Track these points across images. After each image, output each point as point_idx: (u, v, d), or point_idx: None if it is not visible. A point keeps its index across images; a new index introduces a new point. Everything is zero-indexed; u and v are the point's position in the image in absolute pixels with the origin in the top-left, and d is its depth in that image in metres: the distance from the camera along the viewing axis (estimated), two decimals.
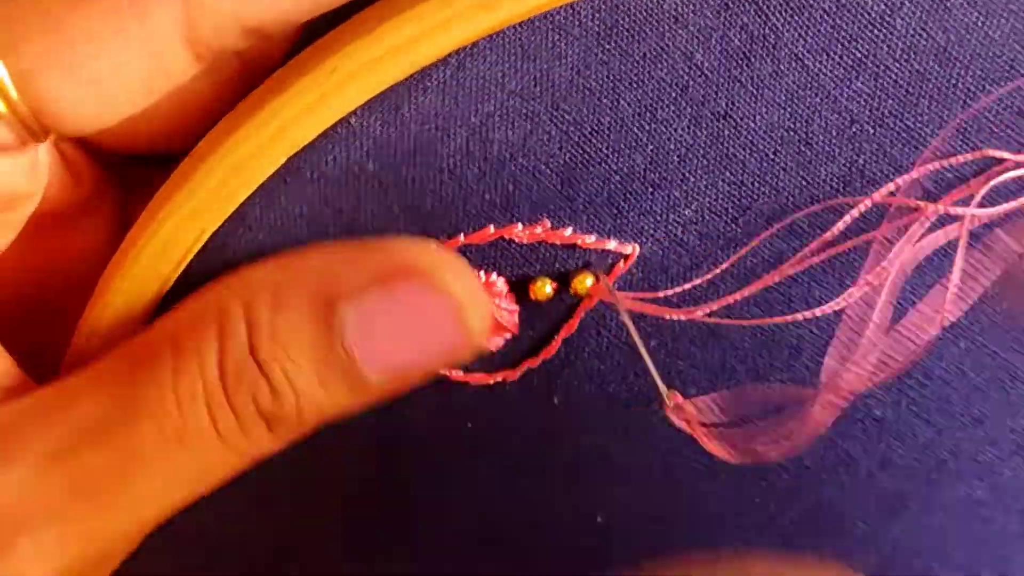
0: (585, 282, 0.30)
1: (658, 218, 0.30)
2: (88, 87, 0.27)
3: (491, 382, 0.32)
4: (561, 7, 0.27)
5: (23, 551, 0.26)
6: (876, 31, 0.28)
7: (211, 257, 0.29)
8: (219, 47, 0.27)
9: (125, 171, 0.33)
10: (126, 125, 0.29)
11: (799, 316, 0.31)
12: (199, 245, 0.29)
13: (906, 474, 0.34)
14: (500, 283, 0.31)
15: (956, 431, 0.34)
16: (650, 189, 0.29)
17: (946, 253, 0.30)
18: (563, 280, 0.31)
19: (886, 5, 0.27)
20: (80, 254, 0.32)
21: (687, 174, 0.29)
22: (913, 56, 0.28)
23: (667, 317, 0.31)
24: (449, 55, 0.27)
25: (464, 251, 0.30)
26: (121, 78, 0.27)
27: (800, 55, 0.28)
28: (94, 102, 0.27)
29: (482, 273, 0.30)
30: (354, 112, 0.28)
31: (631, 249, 0.30)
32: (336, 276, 0.27)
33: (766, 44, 0.28)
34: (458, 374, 0.32)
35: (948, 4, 0.28)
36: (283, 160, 0.28)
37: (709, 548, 0.35)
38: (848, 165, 0.29)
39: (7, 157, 0.27)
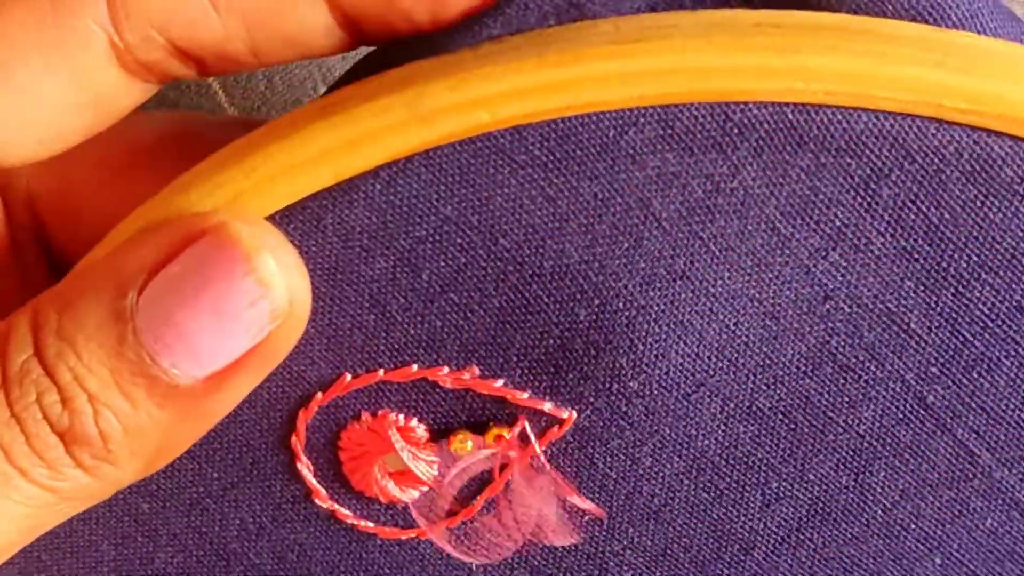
0: (503, 434, 0.27)
1: (600, 385, 0.26)
2: (10, 99, 0.25)
3: (403, 537, 0.29)
4: (507, 130, 0.24)
5: None
6: (859, 198, 0.24)
7: None
8: (148, 61, 0.25)
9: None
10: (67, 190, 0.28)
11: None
12: None
13: None
14: (420, 430, 0.27)
15: None
16: (593, 351, 0.26)
17: None
18: (488, 434, 0.27)
19: (872, 170, 0.24)
20: None
21: (636, 340, 0.26)
22: (900, 230, 0.25)
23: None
24: (380, 168, 0.25)
25: (382, 388, 0.27)
26: (44, 89, 0.25)
27: (772, 217, 0.25)
28: (19, 117, 0.25)
29: (401, 416, 0.27)
30: (272, 217, 0.25)
31: (567, 415, 0.27)
32: (124, 259, 0.24)
33: (733, 199, 0.25)
34: (367, 524, 0.28)
35: (944, 176, 0.24)
36: None
37: None
38: (819, 346, 0.26)
39: None
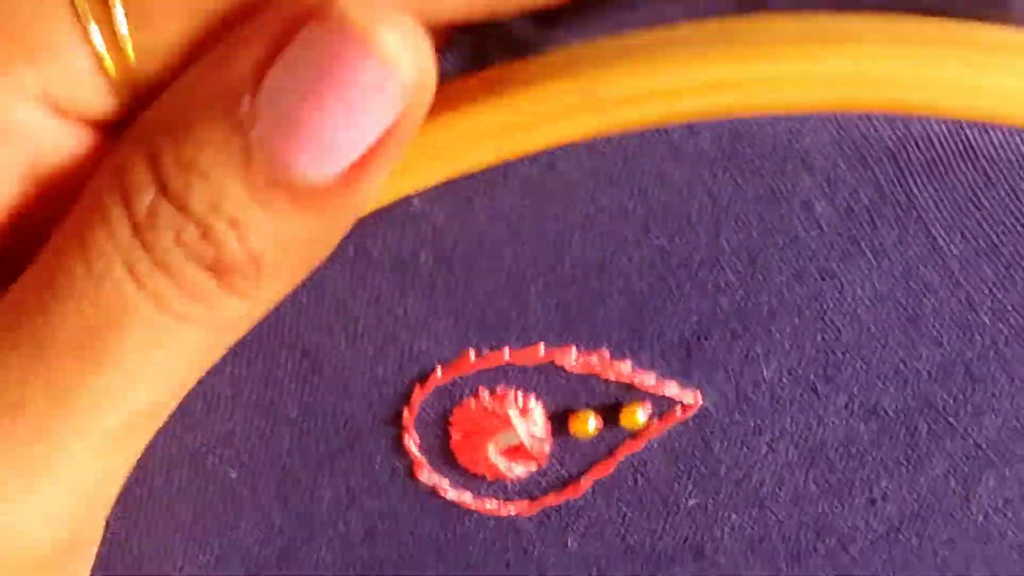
0: (636, 416, 0.27)
1: (731, 371, 0.26)
2: None
3: (502, 513, 0.28)
4: (680, 124, 0.24)
5: None
6: (1019, 216, 0.25)
7: None
8: None
9: None
10: None
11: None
12: None
13: None
14: (538, 411, 0.27)
15: None
16: (729, 338, 0.26)
17: None
18: (609, 415, 0.27)
19: None
20: None
21: (774, 330, 0.26)
22: None
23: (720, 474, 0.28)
24: (541, 152, 0.24)
25: (506, 369, 0.27)
26: None
27: (931, 228, 0.25)
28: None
29: (520, 395, 0.27)
30: (417, 194, 0.24)
31: (693, 399, 0.27)
32: (229, 64, 0.21)
33: (897, 208, 0.24)
34: (467, 500, 0.28)
35: None
36: None
37: None
38: (954, 355, 0.26)
39: None
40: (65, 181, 0.24)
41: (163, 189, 0.21)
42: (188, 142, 0.21)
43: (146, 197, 0.21)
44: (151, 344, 0.22)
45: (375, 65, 0.21)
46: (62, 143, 0.24)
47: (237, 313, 0.23)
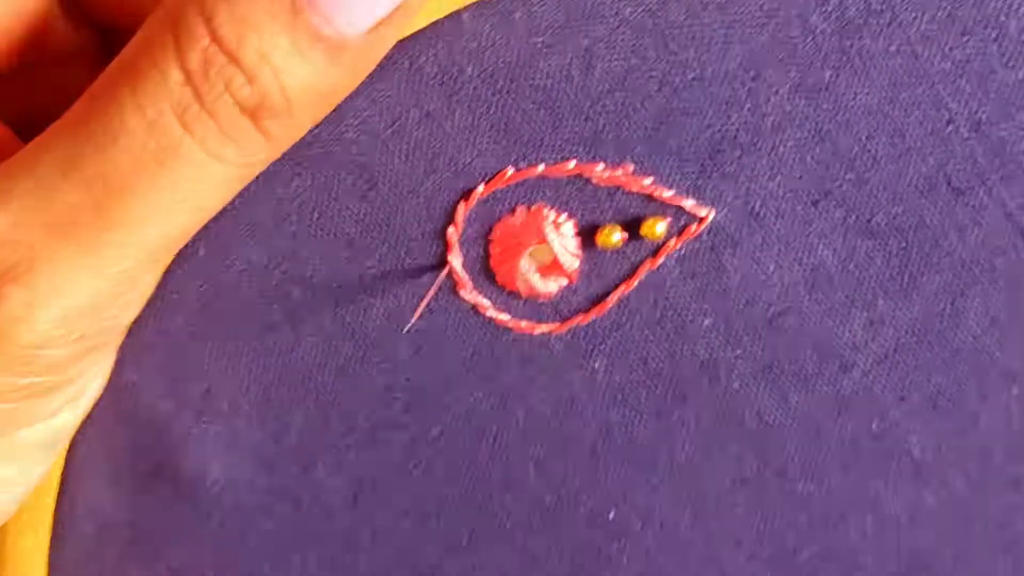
0: (655, 228, 0.30)
1: (740, 185, 0.30)
2: None
3: (535, 332, 0.31)
4: None
5: (13, 298, 0.26)
6: (989, 30, 0.28)
7: None
8: None
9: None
10: None
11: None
12: None
13: (935, 532, 0.33)
14: (568, 225, 0.30)
15: (989, 492, 0.33)
16: (739, 152, 0.29)
17: None
18: (632, 230, 0.30)
19: (1004, 3, 0.28)
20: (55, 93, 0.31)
21: (778, 143, 0.29)
22: (1020, 62, 0.28)
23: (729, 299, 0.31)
24: None
25: (538, 184, 0.30)
26: None
27: (912, 39, 0.28)
28: None
29: (553, 212, 0.30)
30: (467, 8, 0.28)
31: (706, 212, 0.30)
32: None
33: (881, 20, 0.28)
34: (504, 318, 0.31)
35: None
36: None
37: (717, 565, 0.34)
38: (937, 167, 0.29)
39: None
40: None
41: (217, 40, 0.25)
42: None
43: (199, 48, 0.25)
44: (189, 180, 0.26)
45: None
46: None
47: (261, 155, 0.27)
